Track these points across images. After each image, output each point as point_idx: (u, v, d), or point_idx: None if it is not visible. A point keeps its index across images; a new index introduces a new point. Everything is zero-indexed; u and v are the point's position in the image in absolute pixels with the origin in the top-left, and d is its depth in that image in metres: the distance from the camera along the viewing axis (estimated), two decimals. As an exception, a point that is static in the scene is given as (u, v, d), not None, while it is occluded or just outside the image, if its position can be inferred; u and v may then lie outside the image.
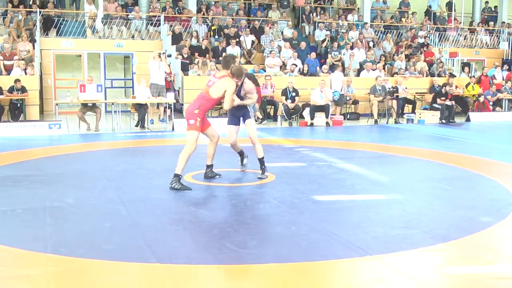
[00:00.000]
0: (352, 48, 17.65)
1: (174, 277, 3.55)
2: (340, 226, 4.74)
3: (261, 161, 6.81)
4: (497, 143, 10.50)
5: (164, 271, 3.61)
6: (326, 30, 18.53)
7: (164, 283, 3.45)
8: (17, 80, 12.86)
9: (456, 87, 16.57)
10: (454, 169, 7.46)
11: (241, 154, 7.15)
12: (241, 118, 6.95)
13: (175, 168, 6.09)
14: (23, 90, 12.92)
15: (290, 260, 3.83)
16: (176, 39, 16.19)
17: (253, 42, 17.15)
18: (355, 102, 15.60)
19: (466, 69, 18.45)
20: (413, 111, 15.62)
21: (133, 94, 14.86)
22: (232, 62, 6.38)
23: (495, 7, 23.22)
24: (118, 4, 17.31)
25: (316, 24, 18.81)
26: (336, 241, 4.26)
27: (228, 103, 6.33)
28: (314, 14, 19.60)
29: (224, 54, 15.99)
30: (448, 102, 14.65)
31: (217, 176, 6.73)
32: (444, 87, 15.20)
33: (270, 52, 16.16)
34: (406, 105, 16.02)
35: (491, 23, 22.39)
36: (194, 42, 16.37)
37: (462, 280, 3.54)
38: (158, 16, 16.95)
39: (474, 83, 17.00)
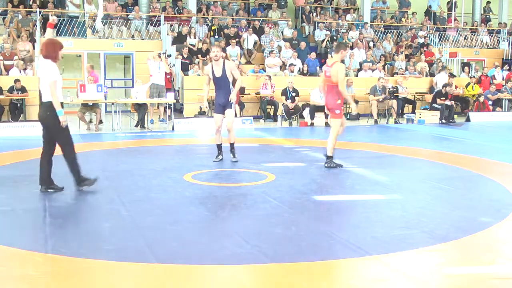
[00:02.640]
0: (352, 48, 17.66)
1: (174, 277, 3.55)
2: (340, 226, 4.74)
3: (233, 145, 7.88)
4: (497, 143, 10.50)
5: (164, 271, 3.61)
6: (326, 30, 18.53)
7: (164, 283, 3.45)
8: (17, 80, 12.86)
9: (456, 87, 16.58)
10: (454, 169, 7.47)
11: (219, 148, 7.91)
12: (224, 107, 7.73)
13: (327, 151, 7.27)
14: (23, 90, 12.92)
15: (290, 260, 3.83)
16: (180, 39, 16.20)
17: (255, 42, 17.16)
18: (355, 102, 15.58)
19: (466, 69, 18.46)
20: (413, 111, 15.62)
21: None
22: (343, 48, 7.23)
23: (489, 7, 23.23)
24: (118, 4, 17.32)
25: (316, 24, 18.81)
26: (336, 241, 4.26)
27: (342, 85, 7.20)
28: (314, 14, 19.60)
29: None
30: (448, 102, 14.65)
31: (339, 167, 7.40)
32: (444, 88, 15.20)
33: (270, 52, 16.17)
34: (406, 105, 16.02)
35: (491, 23, 22.41)
36: (194, 42, 16.37)
37: (462, 280, 3.54)
38: (158, 16, 16.95)
39: (474, 83, 17.01)
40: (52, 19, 6.44)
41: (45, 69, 5.66)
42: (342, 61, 7.49)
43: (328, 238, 4.35)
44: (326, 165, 7.41)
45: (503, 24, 21.92)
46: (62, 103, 5.85)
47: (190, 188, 6.14)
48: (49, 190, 5.83)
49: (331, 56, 7.39)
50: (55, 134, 5.71)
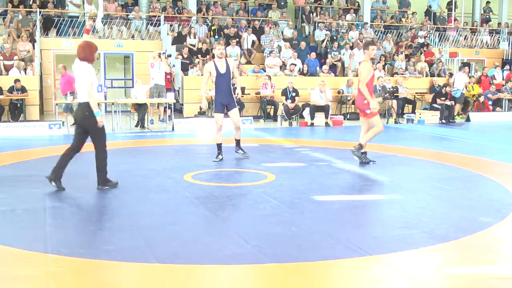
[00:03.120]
0: (352, 48, 17.66)
1: (174, 277, 3.55)
2: (340, 226, 4.74)
3: (239, 142, 8.14)
4: (497, 143, 10.50)
5: (164, 271, 3.61)
6: (326, 30, 18.54)
7: (164, 283, 3.45)
8: (16, 80, 12.86)
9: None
10: (454, 169, 7.47)
11: (219, 148, 7.92)
12: (226, 107, 7.83)
13: (361, 141, 7.57)
14: (23, 90, 12.92)
15: (290, 260, 3.83)
16: (180, 39, 16.20)
17: (253, 42, 17.16)
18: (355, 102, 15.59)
19: (466, 69, 18.45)
20: (413, 111, 15.62)
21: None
22: (370, 44, 7.67)
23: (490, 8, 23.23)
24: (118, 4, 17.32)
25: (316, 24, 18.82)
26: (336, 241, 4.26)
27: (362, 85, 7.43)
28: (314, 14, 19.60)
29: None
30: (448, 102, 14.66)
31: (371, 163, 7.64)
32: (444, 88, 15.21)
33: (270, 52, 16.17)
34: (406, 105, 16.03)
35: (491, 23, 22.41)
36: (194, 42, 16.38)
37: (462, 280, 3.54)
38: (158, 16, 16.95)
39: (473, 83, 17.00)
40: (89, 24, 6.70)
41: (82, 71, 5.84)
42: (372, 59, 7.83)
43: (328, 238, 4.35)
44: (359, 158, 7.58)
45: (505, 24, 21.90)
46: (99, 104, 6.09)
47: (190, 188, 6.14)
48: (52, 183, 5.92)
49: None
50: (92, 133, 5.93)
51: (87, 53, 5.85)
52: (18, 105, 13.00)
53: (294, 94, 14.04)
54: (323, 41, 18.09)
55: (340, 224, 4.85)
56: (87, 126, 5.90)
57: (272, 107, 14.87)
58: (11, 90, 12.83)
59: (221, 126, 7.82)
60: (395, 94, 14.77)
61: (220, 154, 7.93)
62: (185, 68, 15.11)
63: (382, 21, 20.51)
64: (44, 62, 15.66)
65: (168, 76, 13.88)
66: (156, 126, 13.30)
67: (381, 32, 19.91)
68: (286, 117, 13.87)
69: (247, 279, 3.60)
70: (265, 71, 15.67)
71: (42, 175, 6.86)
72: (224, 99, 7.73)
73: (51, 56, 15.82)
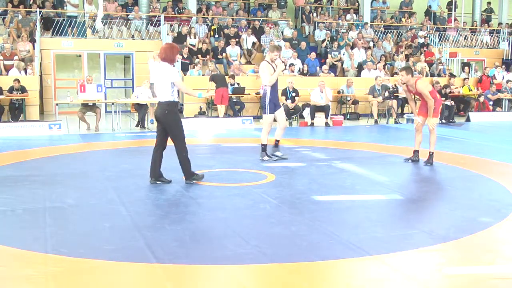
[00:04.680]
0: (352, 48, 17.66)
1: (174, 277, 3.55)
2: (340, 226, 4.74)
3: (278, 143, 8.03)
4: (497, 143, 10.50)
5: (164, 271, 3.61)
6: (326, 30, 18.54)
7: (164, 283, 3.45)
8: (16, 80, 12.84)
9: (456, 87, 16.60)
10: (454, 169, 7.46)
11: (276, 145, 8.01)
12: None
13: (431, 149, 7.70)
14: (22, 90, 12.91)
15: (290, 260, 3.83)
16: (179, 39, 16.20)
17: (253, 42, 17.16)
18: (355, 102, 15.61)
19: (466, 69, 18.46)
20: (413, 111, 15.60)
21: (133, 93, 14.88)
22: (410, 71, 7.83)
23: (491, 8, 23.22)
24: (118, 4, 17.31)
25: (316, 24, 18.82)
26: (336, 241, 4.26)
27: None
28: (314, 14, 19.60)
29: (224, 54, 16.03)
30: (448, 102, 14.66)
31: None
32: (444, 89, 15.20)
33: (270, 52, 16.14)
34: (406, 105, 16.02)
35: (491, 23, 22.40)
36: (194, 42, 16.38)
37: (462, 280, 3.54)
38: (158, 16, 16.95)
39: (468, 84, 17.00)
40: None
41: (164, 72, 6.16)
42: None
43: (328, 238, 4.35)
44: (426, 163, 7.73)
45: (506, 24, 21.90)
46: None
47: (190, 188, 6.14)
48: (157, 182, 6.34)
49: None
50: (169, 131, 6.24)
51: (169, 54, 6.15)
52: (17, 105, 13.00)
53: (294, 94, 14.04)
54: (323, 41, 18.09)
55: (340, 224, 4.85)
56: (166, 124, 6.22)
57: (272, 107, 14.84)
58: (11, 90, 12.82)
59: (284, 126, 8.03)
60: (395, 94, 14.76)
61: (268, 155, 7.97)
62: (185, 68, 15.10)
63: (382, 21, 20.51)
64: (44, 62, 15.66)
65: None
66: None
67: (381, 32, 19.91)
68: (286, 117, 13.84)
69: (247, 279, 3.60)
70: (265, 71, 15.65)
71: (42, 175, 6.88)
72: (276, 100, 7.87)
73: (51, 56, 15.83)
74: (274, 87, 7.84)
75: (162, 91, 6.19)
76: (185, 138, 6.32)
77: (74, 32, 16.00)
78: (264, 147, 7.98)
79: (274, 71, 7.74)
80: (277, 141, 8.12)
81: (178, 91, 6.29)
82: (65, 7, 16.82)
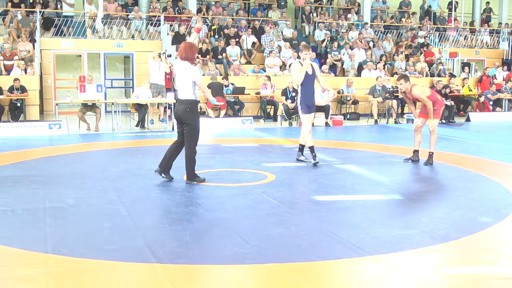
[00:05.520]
0: (352, 48, 17.66)
1: (174, 277, 3.55)
2: (340, 226, 4.74)
3: (312, 149, 7.63)
4: (497, 143, 10.50)
5: (164, 271, 3.61)
6: (326, 30, 18.53)
7: (164, 283, 3.45)
8: (15, 79, 12.84)
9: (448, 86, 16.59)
10: (454, 169, 7.47)
11: (312, 150, 7.67)
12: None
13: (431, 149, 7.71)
14: (22, 89, 12.91)
15: (290, 260, 3.83)
16: (178, 39, 16.18)
17: (253, 42, 17.16)
18: (355, 102, 15.60)
19: (466, 69, 18.46)
20: (413, 111, 15.60)
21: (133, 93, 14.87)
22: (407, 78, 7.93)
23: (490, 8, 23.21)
24: (118, 4, 17.31)
25: (316, 24, 18.82)
26: (336, 241, 4.26)
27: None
28: (314, 14, 19.60)
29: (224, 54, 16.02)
30: (448, 102, 14.65)
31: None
32: (444, 89, 15.20)
33: (270, 52, 16.17)
34: (406, 105, 16.01)
35: (491, 23, 22.40)
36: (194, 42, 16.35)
37: (462, 280, 3.54)
38: (158, 16, 16.95)
39: (467, 84, 16.99)
40: (199, 24, 7.36)
41: (185, 70, 6.23)
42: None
43: (328, 238, 4.35)
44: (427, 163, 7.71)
45: (506, 24, 21.89)
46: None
47: (190, 188, 6.14)
48: (162, 175, 6.42)
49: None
50: (187, 129, 6.24)
51: (189, 53, 6.22)
52: (18, 104, 13.00)
53: (294, 94, 14.03)
54: (323, 41, 18.09)
55: (340, 224, 4.85)
56: (185, 121, 6.24)
57: (272, 107, 14.87)
58: (11, 90, 12.82)
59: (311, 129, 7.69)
60: (395, 94, 14.76)
61: (315, 155, 7.68)
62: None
63: (382, 21, 20.51)
64: (44, 62, 15.66)
65: (168, 76, 13.87)
66: (156, 126, 13.30)
67: (381, 32, 19.91)
68: (286, 117, 13.87)
69: (247, 279, 3.60)
70: (265, 71, 15.67)
71: (42, 175, 6.88)
72: (310, 101, 7.65)
73: (51, 56, 15.83)
74: (305, 87, 7.59)
75: (184, 89, 6.23)
76: (198, 140, 6.35)
77: (70, 32, 15.96)
78: (311, 149, 7.65)
79: (306, 72, 7.51)
80: (301, 145, 7.96)
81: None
82: (59, 7, 16.73)
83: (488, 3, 23.26)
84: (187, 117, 6.22)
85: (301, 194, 5.87)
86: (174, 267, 3.69)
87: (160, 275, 3.57)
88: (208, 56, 15.85)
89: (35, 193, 5.86)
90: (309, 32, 19.24)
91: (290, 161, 8.06)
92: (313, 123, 7.39)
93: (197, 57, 15.56)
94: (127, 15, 17.15)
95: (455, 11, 20.90)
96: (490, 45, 21.17)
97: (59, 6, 16.74)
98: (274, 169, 7.26)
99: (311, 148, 7.67)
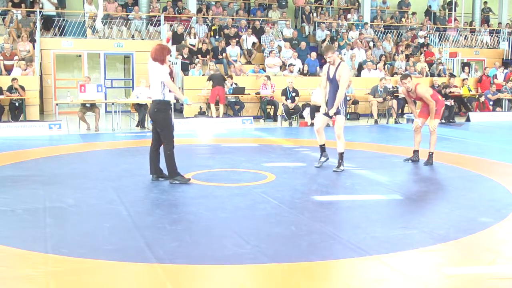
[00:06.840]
0: (352, 48, 17.65)
1: (174, 277, 3.55)
2: (340, 226, 4.74)
3: (341, 156, 7.36)
4: (497, 143, 10.50)
5: (164, 271, 3.61)
6: (326, 30, 18.53)
7: (164, 283, 3.45)
8: (14, 79, 12.83)
9: (455, 87, 16.59)
10: (454, 169, 7.47)
11: (323, 149, 7.59)
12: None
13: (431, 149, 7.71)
14: (21, 89, 12.90)
15: (290, 260, 3.83)
16: (177, 39, 16.20)
17: (253, 43, 17.16)
18: (355, 102, 15.60)
19: (466, 69, 18.45)
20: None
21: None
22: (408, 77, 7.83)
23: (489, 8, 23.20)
24: (118, 4, 17.31)
25: (316, 24, 18.81)
26: (336, 241, 4.26)
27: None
28: (314, 14, 19.60)
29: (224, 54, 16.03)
30: (448, 102, 14.65)
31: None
32: (444, 89, 15.20)
33: (270, 52, 16.16)
34: (406, 105, 16.01)
35: (491, 23, 22.39)
36: (194, 42, 16.37)
37: (462, 280, 3.54)
38: (158, 16, 16.95)
39: (467, 84, 16.99)
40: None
41: (154, 71, 6.33)
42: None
43: (328, 238, 4.35)
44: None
45: (506, 24, 21.89)
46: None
47: (190, 188, 6.14)
48: (159, 179, 6.50)
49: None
50: (159, 128, 6.38)
51: (158, 55, 6.29)
52: (17, 104, 12.99)
53: (294, 94, 14.04)
54: (323, 41, 18.08)
55: (340, 224, 4.85)
56: (155, 122, 6.42)
57: (272, 107, 14.87)
58: (10, 89, 12.82)
59: (320, 128, 7.65)
60: (395, 94, 14.76)
61: (323, 156, 7.59)
62: (185, 68, 15.10)
63: (382, 21, 20.51)
64: (44, 62, 15.66)
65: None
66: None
67: (381, 32, 19.90)
68: (286, 117, 13.87)
69: (247, 279, 3.60)
70: (265, 71, 15.67)
71: (42, 175, 6.88)
72: (328, 104, 7.59)
73: (51, 56, 15.82)
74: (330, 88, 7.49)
75: (154, 90, 6.37)
76: (173, 138, 6.41)
77: (69, 31, 15.92)
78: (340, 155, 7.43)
79: (327, 75, 7.39)
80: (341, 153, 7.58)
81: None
82: (40, 5, 16.47)
83: (485, 2, 23.24)
84: (156, 117, 6.37)
85: (301, 194, 5.87)
86: (174, 267, 3.69)
87: (160, 275, 3.57)
88: (208, 56, 15.85)
89: (35, 193, 5.86)
90: (309, 32, 19.24)
91: (290, 161, 8.06)
92: (312, 123, 7.41)
93: (196, 57, 15.65)
94: (127, 15, 17.14)
95: (455, 11, 20.90)
96: (490, 45, 21.17)
97: (40, 6, 16.43)
98: (274, 169, 7.26)
99: (322, 147, 7.62)
